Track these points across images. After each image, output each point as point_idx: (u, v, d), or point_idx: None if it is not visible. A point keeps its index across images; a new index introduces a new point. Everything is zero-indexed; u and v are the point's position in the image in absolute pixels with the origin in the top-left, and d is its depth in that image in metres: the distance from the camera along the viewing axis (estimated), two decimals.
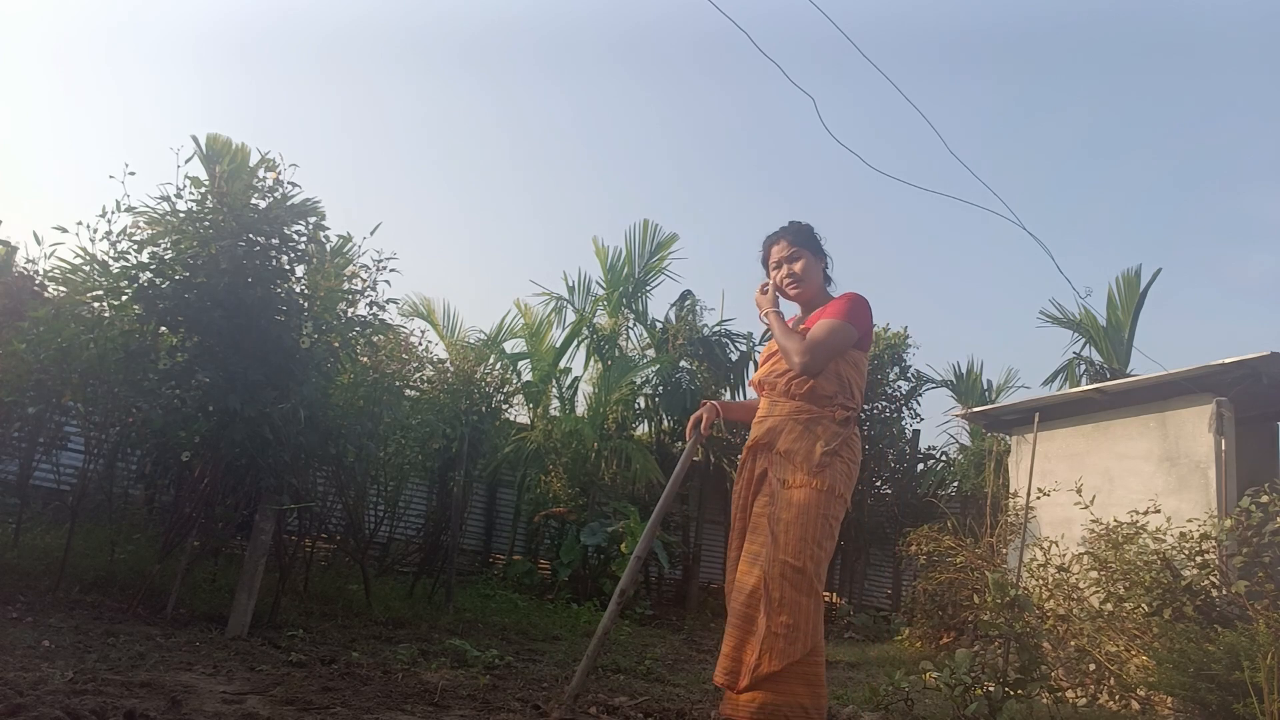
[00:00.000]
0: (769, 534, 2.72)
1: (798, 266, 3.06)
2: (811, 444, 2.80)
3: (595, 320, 11.69)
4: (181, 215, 4.88)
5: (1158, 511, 6.15)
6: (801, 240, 3.09)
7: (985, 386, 15.07)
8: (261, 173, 5.18)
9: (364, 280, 5.51)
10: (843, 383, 2.91)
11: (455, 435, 7.85)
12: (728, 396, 12.30)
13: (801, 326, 3.01)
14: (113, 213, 4.85)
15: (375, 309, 5.57)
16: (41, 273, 5.80)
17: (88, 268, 5.11)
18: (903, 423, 12.76)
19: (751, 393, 3.26)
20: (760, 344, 12.27)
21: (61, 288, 5.41)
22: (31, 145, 24.93)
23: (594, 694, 4.04)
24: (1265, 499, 5.49)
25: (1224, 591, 5.42)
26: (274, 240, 4.98)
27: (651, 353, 11.96)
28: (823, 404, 2.87)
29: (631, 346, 12.09)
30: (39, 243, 6.13)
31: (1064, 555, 6.24)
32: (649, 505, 10.48)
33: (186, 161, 5.02)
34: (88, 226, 4.92)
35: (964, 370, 15.07)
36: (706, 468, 12.07)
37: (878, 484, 12.88)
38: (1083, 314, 13.30)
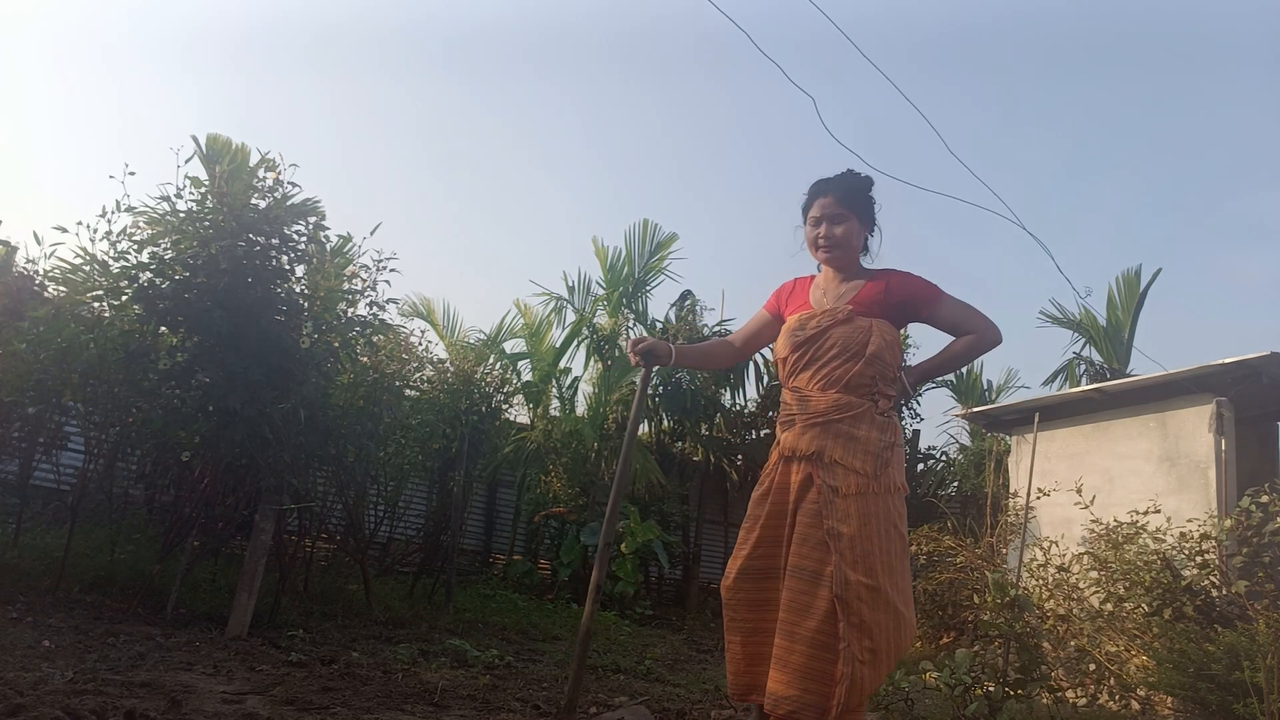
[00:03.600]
0: (833, 551, 2.44)
1: (839, 230, 2.70)
2: (863, 443, 2.53)
3: (595, 320, 11.69)
4: (181, 215, 4.88)
5: (1158, 511, 6.16)
6: (851, 201, 2.72)
7: (985, 386, 15.08)
8: (261, 173, 5.18)
9: (364, 280, 5.51)
10: (883, 366, 2.61)
11: (455, 435, 7.84)
12: (728, 397, 12.30)
13: (848, 304, 2.67)
14: (113, 213, 4.85)
15: (375, 309, 5.58)
16: (41, 273, 5.80)
17: (88, 268, 5.11)
18: (903, 423, 12.76)
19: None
20: None
21: (61, 288, 5.41)
22: (31, 145, 24.95)
23: (594, 694, 4.04)
24: (1265, 499, 5.50)
25: (1224, 591, 5.42)
26: (274, 240, 4.98)
27: None
28: (863, 393, 2.59)
29: None
30: (39, 243, 6.13)
31: (1064, 555, 6.25)
32: (649, 505, 10.48)
33: (186, 161, 5.03)
34: (88, 226, 4.93)
35: (964, 370, 15.08)
36: (707, 468, 12.07)
37: None
38: (1083, 314, 13.31)
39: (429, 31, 26.33)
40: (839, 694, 2.34)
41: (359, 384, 5.83)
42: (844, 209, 2.72)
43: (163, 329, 4.93)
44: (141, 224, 4.94)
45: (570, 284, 11.97)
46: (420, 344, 8.23)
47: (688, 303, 12.27)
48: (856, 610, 2.39)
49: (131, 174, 4.78)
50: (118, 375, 4.78)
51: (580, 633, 2.80)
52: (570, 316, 11.66)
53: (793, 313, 2.83)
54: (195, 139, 9.03)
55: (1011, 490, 8.31)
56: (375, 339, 5.94)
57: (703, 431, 12.05)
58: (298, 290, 5.25)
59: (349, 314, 5.46)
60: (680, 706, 3.98)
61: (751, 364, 12.32)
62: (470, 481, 8.68)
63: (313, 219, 5.28)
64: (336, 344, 5.36)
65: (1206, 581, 5.55)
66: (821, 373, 2.64)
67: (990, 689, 3.64)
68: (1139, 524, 6.03)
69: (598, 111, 31.68)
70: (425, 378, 8.13)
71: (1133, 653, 5.22)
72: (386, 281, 5.73)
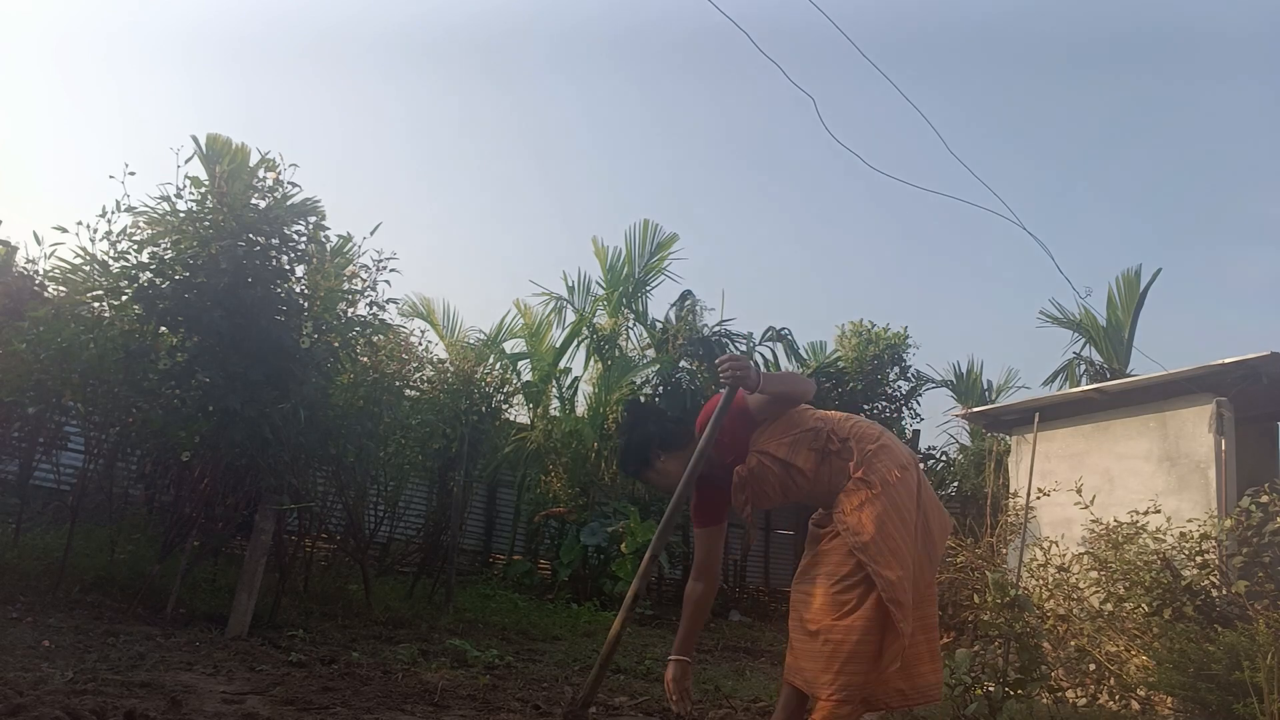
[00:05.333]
0: (865, 560, 2.65)
1: (656, 485, 3.04)
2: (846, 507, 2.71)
3: (595, 320, 11.68)
4: (181, 215, 4.88)
5: (1158, 511, 6.15)
6: (635, 471, 3.06)
7: (985, 386, 15.07)
8: (261, 173, 5.19)
9: (364, 280, 5.51)
10: (795, 472, 2.79)
11: (455, 435, 7.84)
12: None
13: (740, 474, 2.86)
14: (113, 213, 4.86)
15: (375, 309, 5.58)
16: (41, 273, 5.80)
17: (88, 268, 5.11)
18: (903, 423, 12.76)
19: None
20: (758, 345, 12.31)
21: (61, 288, 5.42)
22: (31, 145, 24.96)
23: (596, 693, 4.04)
24: (1265, 499, 5.49)
25: (1224, 591, 5.42)
26: (274, 240, 4.98)
27: (651, 353, 11.96)
28: (827, 491, 2.79)
29: (631, 346, 12.09)
30: (39, 243, 6.14)
31: (1064, 555, 6.24)
32: (649, 505, 10.47)
33: (186, 161, 5.04)
34: (88, 226, 4.93)
35: (964, 370, 15.08)
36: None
37: None
38: (1083, 314, 13.30)
39: (428, 31, 26.34)
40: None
41: (359, 384, 5.83)
42: (639, 477, 3.08)
43: (163, 329, 4.93)
44: (141, 224, 4.94)
45: (570, 284, 11.97)
46: (420, 344, 8.24)
47: (688, 303, 12.26)
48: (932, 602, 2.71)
49: (131, 174, 4.80)
50: (118, 375, 4.78)
51: (610, 638, 2.81)
52: (570, 316, 11.66)
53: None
54: (195, 139, 9.06)
55: (1011, 490, 8.30)
56: (375, 339, 5.94)
57: None
58: (298, 290, 5.25)
59: (349, 314, 5.46)
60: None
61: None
62: (470, 481, 8.68)
63: (312, 219, 5.29)
64: (336, 344, 5.36)
65: (1206, 581, 5.54)
66: (791, 500, 2.94)
67: (990, 689, 3.64)
68: (1139, 524, 6.02)
69: (598, 111, 31.70)
70: (425, 378, 8.13)
71: (1133, 653, 5.21)
72: (386, 281, 5.74)
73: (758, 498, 2.88)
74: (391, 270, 5.53)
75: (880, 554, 2.53)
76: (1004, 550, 7.36)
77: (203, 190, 5.02)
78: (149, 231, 4.92)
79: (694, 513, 3.09)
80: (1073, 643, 5.39)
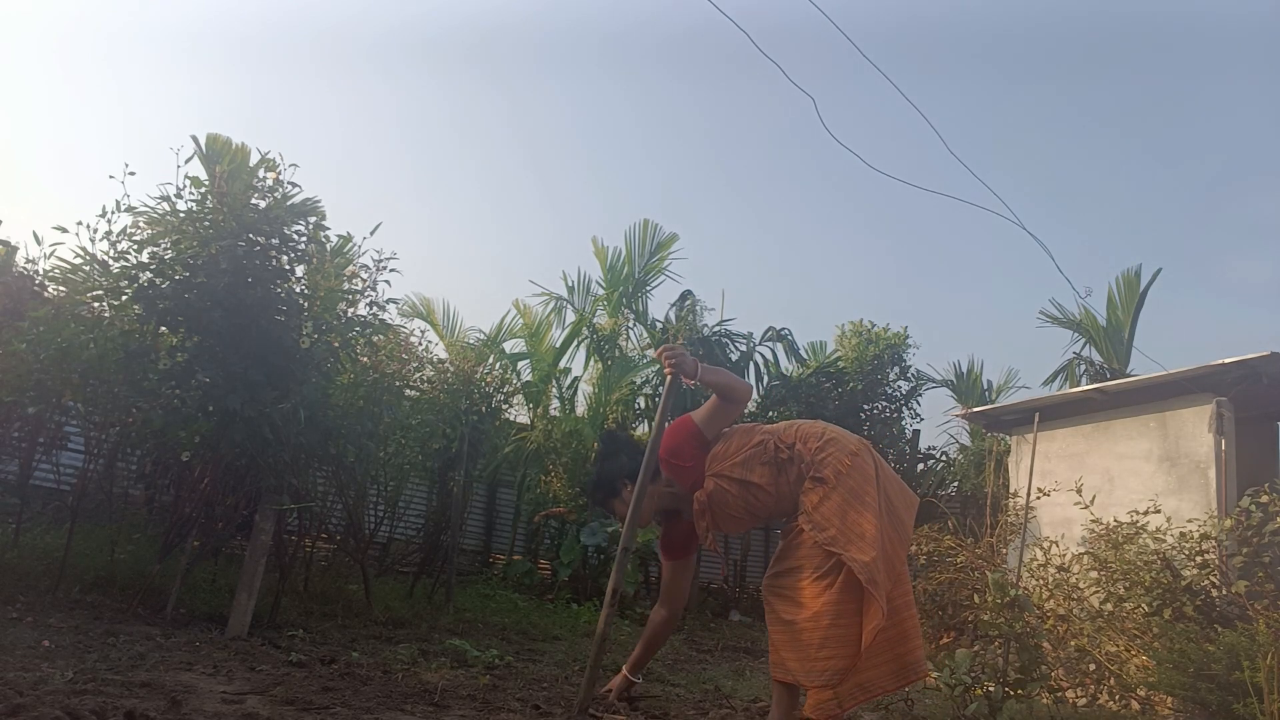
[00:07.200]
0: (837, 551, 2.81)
1: (619, 512, 3.09)
2: (807, 508, 2.83)
3: (595, 320, 11.68)
4: (181, 215, 4.88)
5: (1158, 511, 6.15)
6: (600, 501, 3.20)
7: (985, 386, 15.07)
8: (261, 173, 5.19)
9: (364, 280, 5.51)
10: (755, 490, 2.90)
11: (455, 435, 7.83)
12: None
13: (700, 500, 2.96)
14: (113, 213, 4.85)
15: (375, 309, 5.57)
16: (41, 273, 5.79)
17: (88, 268, 5.11)
18: (903, 423, 12.75)
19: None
20: (758, 345, 12.31)
21: (61, 288, 5.41)
22: (32, 145, 24.94)
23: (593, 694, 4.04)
24: (1265, 499, 5.49)
25: (1224, 591, 5.42)
26: (274, 240, 4.97)
27: (651, 353, 11.95)
28: (788, 501, 2.89)
29: (631, 346, 12.09)
30: (39, 243, 6.10)
31: (1064, 555, 6.24)
32: None
33: (186, 161, 5.03)
34: (88, 226, 4.92)
35: (964, 370, 15.08)
36: None
37: None
38: (1083, 314, 13.30)
39: (429, 31, 26.33)
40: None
41: (359, 384, 5.82)
42: (605, 506, 3.20)
43: (163, 329, 4.93)
44: (141, 224, 4.94)
45: (570, 284, 11.97)
46: (420, 344, 8.23)
47: (688, 303, 12.26)
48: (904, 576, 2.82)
49: (131, 174, 4.78)
50: (118, 375, 4.77)
51: (597, 634, 2.86)
52: (570, 316, 11.66)
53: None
54: (195, 139, 9.06)
55: (1011, 490, 8.31)
56: (375, 339, 5.93)
57: None
58: (298, 290, 5.24)
59: (349, 314, 5.46)
60: (680, 707, 3.98)
61: (752, 364, 12.32)
62: (470, 481, 8.67)
63: (313, 219, 5.29)
64: (336, 344, 5.36)
65: (1206, 581, 5.54)
66: (760, 519, 3.05)
67: (990, 689, 3.63)
68: (1139, 524, 6.02)
69: (599, 111, 31.70)
70: (425, 378, 8.12)
71: (1133, 653, 5.21)
72: (386, 281, 5.73)
73: (721, 522, 2.93)
74: (391, 270, 5.53)
75: (849, 542, 2.63)
76: (1004, 550, 7.36)
77: (203, 190, 5.01)
78: (149, 231, 4.92)
79: (660, 548, 3.15)
80: (1073, 643, 5.39)
